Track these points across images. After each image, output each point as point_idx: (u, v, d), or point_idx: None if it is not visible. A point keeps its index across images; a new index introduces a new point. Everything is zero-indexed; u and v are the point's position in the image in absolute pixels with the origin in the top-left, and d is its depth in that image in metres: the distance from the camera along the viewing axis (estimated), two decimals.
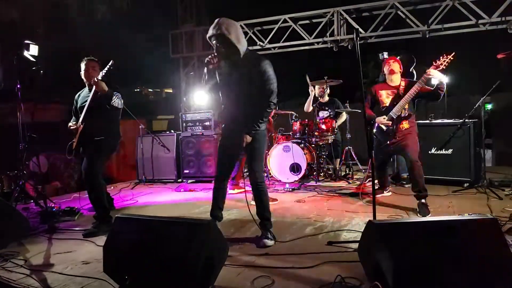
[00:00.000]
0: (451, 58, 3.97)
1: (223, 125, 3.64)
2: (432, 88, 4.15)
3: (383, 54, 5.96)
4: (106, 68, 3.75)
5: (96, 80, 3.76)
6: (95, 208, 4.03)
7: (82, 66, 4.03)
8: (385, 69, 4.45)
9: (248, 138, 3.33)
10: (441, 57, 4.00)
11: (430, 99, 4.34)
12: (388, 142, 4.37)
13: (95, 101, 3.88)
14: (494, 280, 2.02)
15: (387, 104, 4.40)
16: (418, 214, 4.08)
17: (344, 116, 6.76)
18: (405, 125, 4.31)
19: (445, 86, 4.12)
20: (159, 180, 7.12)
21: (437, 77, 4.04)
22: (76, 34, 8.69)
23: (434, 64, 4.02)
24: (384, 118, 4.36)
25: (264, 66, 3.25)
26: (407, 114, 4.32)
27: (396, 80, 4.39)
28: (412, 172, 4.19)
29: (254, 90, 3.30)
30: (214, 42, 3.27)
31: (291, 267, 2.79)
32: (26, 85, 5.08)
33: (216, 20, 3.23)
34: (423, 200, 4.14)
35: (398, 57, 4.98)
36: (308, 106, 6.49)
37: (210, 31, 3.24)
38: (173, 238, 2.34)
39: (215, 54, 3.27)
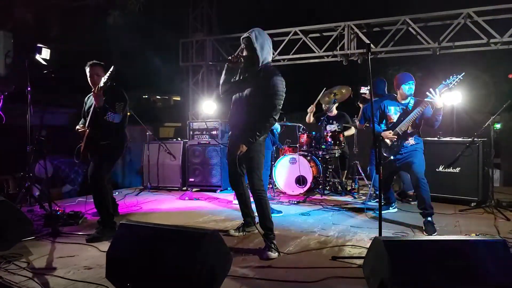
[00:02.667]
0: (461, 78, 3.97)
1: (230, 132, 3.73)
2: (430, 116, 4.17)
3: (360, 88, 5.93)
4: (107, 75, 3.69)
5: (96, 92, 3.74)
6: (99, 212, 4.02)
7: (87, 71, 4.02)
8: (401, 90, 4.37)
9: (244, 148, 3.40)
10: (450, 77, 4.01)
11: (427, 124, 4.33)
12: (392, 158, 4.35)
13: (98, 111, 3.88)
14: None
15: (394, 120, 4.40)
16: (424, 232, 4.03)
17: (352, 130, 6.74)
18: (410, 141, 4.31)
19: (441, 115, 4.10)
20: (164, 188, 7.11)
21: (437, 101, 4.00)
22: (88, 38, 8.79)
23: (444, 83, 4.03)
24: (390, 133, 4.36)
25: (275, 81, 3.33)
26: (412, 131, 4.32)
27: (407, 98, 4.38)
28: (418, 189, 4.17)
29: (260, 102, 3.37)
30: (242, 43, 3.48)
31: (294, 280, 2.75)
32: (37, 88, 5.13)
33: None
34: (429, 218, 4.10)
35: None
36: (309, 117, 6.61)
37: (244, 34, 3.46)
38: (177, 247, 2.32)
39: (239, 55, 3.44)
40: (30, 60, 5.09)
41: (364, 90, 5.79)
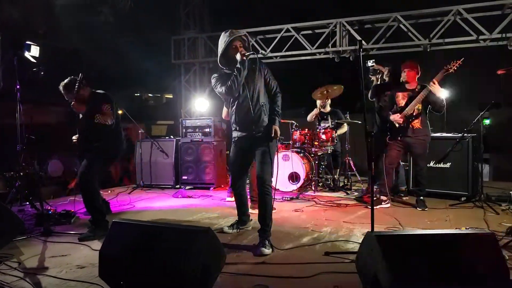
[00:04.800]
0: (460, 63, 4.44)
1: (235, 128, 3.69)
2: (435, 100, 4.68)
3: (367, 62, 5.98)
4: (76, 86, 3.84)
5: (73, 104, 3.87)
6: (89, 212, 4.01)
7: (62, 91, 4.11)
8: (403, 76, 4.94)
9: (277, 128, 3.51)
10: (451, 62, 4.49)
11: (433, 109, 4.84)
12: (400, 137, 4.87)
13: (87, 111, 3.98)
14: None
15: (402, 105, 4.90)
16: (418, 208, 4.80)
17: (345, 127, 6.77)
18: (416, 124, 4.81)
19: (444, 102, 4.68)
20: (157, 186, 7.09)
21: (437, 92, 4.58)
22: (78, 36, 8.71)
23: (445, 67, 4.51)
24: (397, 116, 4.81)
25: (265, 67, 3.60)
26: (417, 113, 4.77)
27: (413, 84, 4.88)
28: (420, 177, 4.98)
29: (263, 93, 3.55)
30: (237, 44, 3.48)
31: (288, 276, 2.77)
32: (26, 86, 5.08)
33: (229, 31, 3.49)
34: (421, 198, 4.89)
35: (387, 69, 5.29)
36: (311, 117, 6.70)
37: (234, 34, 3.46)
38: (170, 245, 2.32)
39: (241, 54, 3.43)
40: (19, 58, 5.03)
41: (371, 63, 5.87)
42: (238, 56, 3.41)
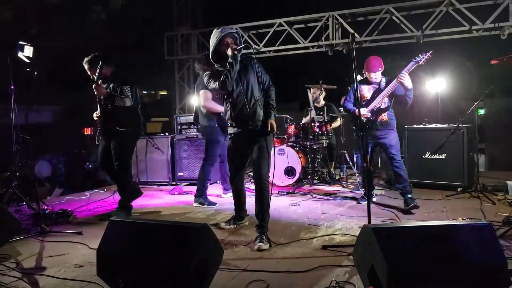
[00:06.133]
0: (430, 56, 4.26)
1: (231, 124, 3.68)
2: (402, 94, 4.45)
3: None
4: (97, 72, 4.11)
5: (95, 87, 4.12)
6: (122, 195, 4.47)
7: (85, 67, 4.37)
8: (368, 76, 4.66)
9: (273, 122, 3.52)
10: (420, 54, 4.29)
11: (400, 103, 4.59)
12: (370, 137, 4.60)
13: (106, 98, 4.27)
14: (488, 286, 2.02)
15: (368, 98, 4.67)
16: (405, 206, 4.39)
17: (338, 121, 6.79)
18: (384, 117, 4.58)
19: (412, 93, 4.43)
20: (153, 183, 7.07)
21: (407, 82, 4.31)
22: (71, 34, 8.65)
23: (413, 60, 4.31)
24: (364, 110, 4.59)
25: (256, 63, 3.62)
26: (386, 106, 4.57)
27: (377, 77, 4.61)
28: (397, 169, 4.53)
29: (257, 88, 3.54)
30: (229, 40, 3.48)
31: (285, 271, 2.78)
32: (20, 87, 5.04)
33: (220, 27, 3.50)
34: (409, 195, 4.44)
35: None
36: (306, 121, 6.49)
37: (225, 30, 3.47)
38: (168, 242, 2.32)
39: (232, 49, 3.43)
40: (13, 58, 4.99)
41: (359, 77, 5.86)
42: (229, 51, 3.41)
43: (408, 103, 4.49)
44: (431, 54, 4.24)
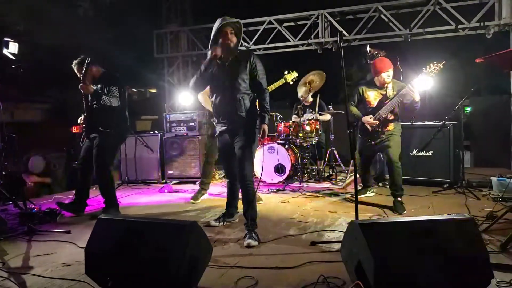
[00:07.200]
0: (441, 66, 4.13)
1: (215, 121, 3.70)
2: (409, 103, 4.34)
3: (367, 47, 5.99)
4: (84, 69, 4.13)
5: (81, 86, 4.13)
6: (105, 197, 4.45)
7: (74, 69, 4.36)
8: (380, 78, 4.46)
9: (266, 128, 3.53)
10: (431, 64, 4.15)
11: (406, 110, 4.54)
12: (373, 142, 4.51)
13: (92, 96, 4.28)
14: (471, 278, 2.07)
15: (374, 105, 4.52)
16: (394, 211, 4.26)
17: (328, 115, 6.78)
18: (390, 127, 4.47)
19: (419, 105, 4.33)
20: (143, 181, 7.05)
21: (415, 95, 4.20)
22: (58, 31, 8.55)
23: (424, 71, 4.18)
24: (370, 118, 4.46)
25: (254, 59, 3.52)
26: (393, 118, 4.46)
27: (390, 75, 4.44)
28: (392, 172, 4.39)
29: (247, 85, 3.51)
30: (228, 30, 3.44)
31: (274, 267, 2.80)
32: (6, 84, 4.99)
33: (222, 17, 3.46)
34: (398, 198, 4.37)
35: (383, 53, 5.12)
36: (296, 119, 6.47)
37: (226, 20, 3.42)
38: (156, 239, 2.32)
39: (222, 43, 3.43)
40: None
41: (368, 48, 5.83)
42: (209, 53, 3.44)
43: (414, 112, 4.48)
44: (442, 65, 4.11)
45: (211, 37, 3.50)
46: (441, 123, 5.46)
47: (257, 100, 3.61)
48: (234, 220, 4.04)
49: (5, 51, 4.98)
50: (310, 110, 6.53)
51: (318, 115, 6.40)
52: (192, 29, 8.89)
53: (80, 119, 4.46)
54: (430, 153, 5.54)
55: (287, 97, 6.82)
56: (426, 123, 5.76)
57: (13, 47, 5.00)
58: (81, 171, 4.53)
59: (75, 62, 4.34)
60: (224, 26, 3.43)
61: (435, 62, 4.14)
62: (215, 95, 3.59)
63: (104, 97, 4.16)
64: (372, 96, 4.55)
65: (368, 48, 5.85)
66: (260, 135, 3.54)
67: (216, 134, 3.76)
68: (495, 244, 3.05)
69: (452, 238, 2.15)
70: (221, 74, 3.52)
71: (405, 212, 4.23)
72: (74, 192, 4.69)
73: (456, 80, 8.06)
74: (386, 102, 4.40)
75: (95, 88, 4.24)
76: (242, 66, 3.49)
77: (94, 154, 4.32)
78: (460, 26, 6.84)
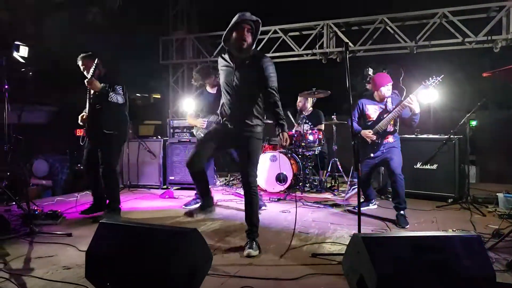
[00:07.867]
0: (440, 80, 4.14)
1: (218, 119, 3.57)
2: (407, 117, 4.36)
3: (368, 69, 6.01)
4: (92, 69, 4.18)
5: (88, 81, 4.18)
6: (109, 198, 4.50)
7: (79, 63, 4.41)
8: (379, 91, 4.50)
9: (286, 135, 3.34)
10: (430, 78, 4.16)
11: (404, 124, 4.52)
12: (372, 155, 4.50)
13: (96, 96, 4.32)
14: None
15: (374, 119, 4.54)
16: (397, 225, 4.21)
17: (322, 126, 6.71)
18: (390, 139, 4.47)
19: (418, 117, 4.32)
20: (144, 186, 7.04)
21: (415, 107, 4.19)
22: (66, 36, 8.61)
23: (424, 84, 4.19)
24: (369, 132, 4.48)
25: (266, 63, 3.33)
26: (392, 130, 4.47)
27: (389, 89, 4.51)
28: (395, 185, 4.33)
29: (257, 89, 3.38)
30: (246, 27, 3.25)
31: (275, 278, 2.77)
32: (15, 86, 5.03)
33: (242, 12, 3.27)
34: (402, 212, 4.30)
35: (386, 70, 5.12)
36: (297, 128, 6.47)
37: (245, 16, 3.24)
38: (157, 246, 2.31)
39: (237, 37, 3.27)
40: (8, 58, 4.98)
41: (371, 72, 5.83)
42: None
43: (413, 126, 4.44)
44: (441, 78, 4.13)
45: (228, 28, 3.30)
46: (446, 136, 5.43)
47: (267, 105, 3.44)
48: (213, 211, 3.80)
49: (15, 54, 5.02)
50: (307, 122, 6.37)
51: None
52: (197, 36, 8.94)
53: (82, 116, 4.45)
54: (435, 166, 5.50)
55: (290, 106, 6.80)
56: (431, 136, 5.73)
57: (23, 51, 5.04)
58: (87, 173, 4.60)
59: (82, 55, 4.40)
60: (244, 21, 3.24)
61: (434, 76, 4.16)
62: (224, 96, 3.48)
63: (111, 94, 4.23)
64: (372, 110, 4.58)
65: (370, 71, 5.87)
66: (284, 143, 3.34)
67: (218, 122, 3.58)
68: (502, 262, 3.00)
69: (457, 256, 2.12)
70: (230, 76, 3.38)
71: (408, 226, 4.17)
72: (90, 194, 4.81)
73: (462, 94, 8.02)
74: (386, 115, 4.42)
75: (102, 85, 4.25)
76: (253, 69, 3.32)
77: (100, 156, 4.37)
78: (467, 39, 6.84)
